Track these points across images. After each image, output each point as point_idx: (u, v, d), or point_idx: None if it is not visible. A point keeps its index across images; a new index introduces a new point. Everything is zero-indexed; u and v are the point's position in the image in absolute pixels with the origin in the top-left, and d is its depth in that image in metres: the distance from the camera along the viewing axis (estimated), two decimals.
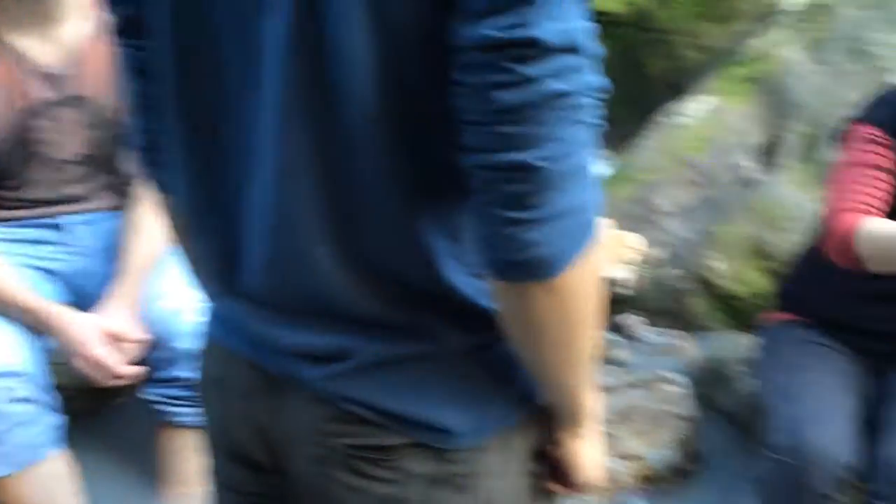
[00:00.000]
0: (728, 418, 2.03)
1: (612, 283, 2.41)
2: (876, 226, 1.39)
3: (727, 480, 1.85)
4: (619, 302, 2.45)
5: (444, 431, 0.74)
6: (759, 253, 2.44)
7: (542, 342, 0.70)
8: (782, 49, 2.83)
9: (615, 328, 2.41)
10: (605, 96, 0.65)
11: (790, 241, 2.35)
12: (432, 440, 0.74)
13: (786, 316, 1.79)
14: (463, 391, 0.75)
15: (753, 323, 2.06)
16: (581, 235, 0.64)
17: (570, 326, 0.68)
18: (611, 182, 2.78)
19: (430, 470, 0.75)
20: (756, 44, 2.93)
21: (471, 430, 0.75)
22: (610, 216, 2.60)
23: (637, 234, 2.56)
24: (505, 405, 0.77)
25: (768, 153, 2.67)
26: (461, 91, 0.62)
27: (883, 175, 1.48)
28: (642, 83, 3.61)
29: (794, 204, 2.47)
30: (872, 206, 1.45)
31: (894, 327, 1.64)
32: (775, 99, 2.74)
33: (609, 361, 2.24)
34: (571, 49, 0.61)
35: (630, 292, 2.46)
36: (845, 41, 2.74)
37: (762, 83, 2.79)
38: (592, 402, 0.80)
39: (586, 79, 0.62)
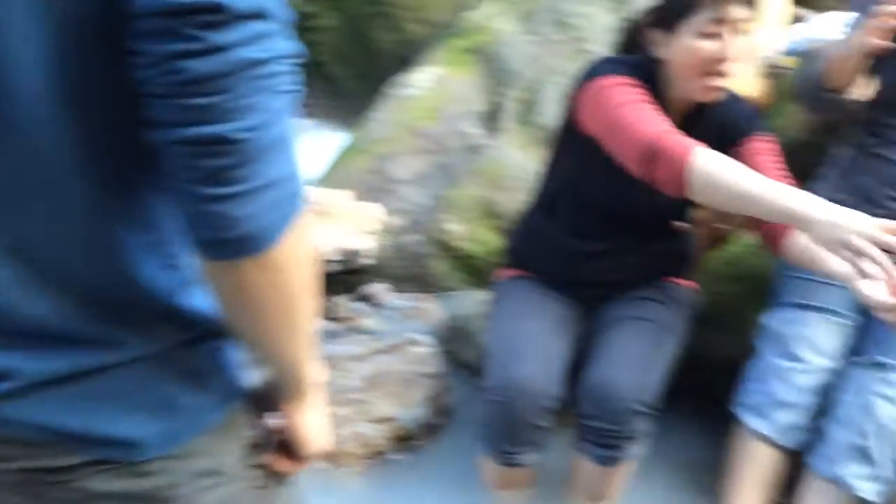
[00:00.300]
0: (472, 371, 2.15)
1: (356, 253, 2.45)
2: (714, 163, 1.40)
3: (474, 429, 1.96)
4: (363, 271, 2.50)
5: (129, 444, 0.69)
6: (490, 213, 2.60)
7: (259, 317, 0.68)
8: (496, 21, 3.01)
9: (361, 297, 2.45)
10: (299, 62, 0.64)
11: (516, 199, 2.52)
12: (116, 455, 0.69)
13: (513, 271, 1.92)
14: (154, 398, 0.71)
15: (490, 280, 2.19)
16: (289, 206, 0.64)
17: (286, 298, 0.68)
18: (347, 155, 2.81)
19: (120, 487, 0.70)
20: (473, 16, 3.09)
21: (164, 438, 0.71)
22: (349, 188, 2.62)
23: (376, 204, 2.61)
24: (208, 404, 0.74)
25: (490, 119, 2.84)
26: (142, 61, 0.58)
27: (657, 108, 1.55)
28: (371, 57, 3.68)
29: (516, 165, 2.65)
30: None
31: (603, 277, 1.82)
32: (493, 68, 2.91)
33: (357, 330, 2.27)
34: (260, 15, 0.59)
35: (373, 261, 2.51)
36: (550, 13, 2.97)
37: (481, 53, 2.95)
38: (314, 372, 0.79)
39: (278, 45, 0.61)
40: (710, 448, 1.90)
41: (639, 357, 1.67)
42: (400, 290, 2.52)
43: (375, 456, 1.89)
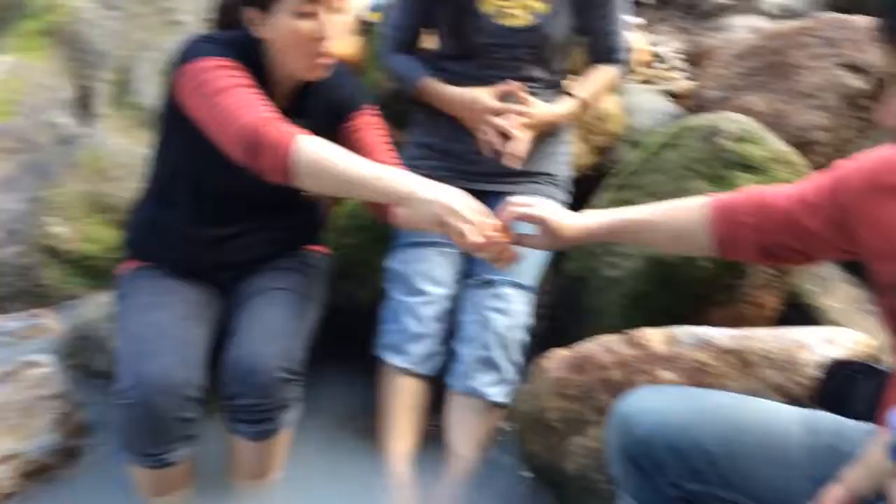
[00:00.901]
0: (108, 379, 1.98)
1: None
2: (317, 151, 1.38)
3: (118, 440, 1.81)
4: None
5: None
6: (99, 207, 2.40)
7: None
8: None
9: None
10: None
11: (126, 188, 2.36)
12: None
13: (135, 263, 1.78)
14: None
15: (112, 278, 2.02)
16: None
17: None
18: None
19: None
20: None
21: None
22: None
23: None
24: None
25: (81, 106, 2.60)
26: None
27: (259, 92, 1.50)
28: None
29: (119, 151, 2.47)
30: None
31: (233, 259, 1.77)
32: (75, 49, 2.66)
33: None
34: None
35: None
36: None
37: (58, 35, 2.68)
38: None
39: None
40: (364, 395, 1.97)
41: (278, 326, 1.66)
42: (8, 311, 2.23)
43: (5, 500, 1.66)
